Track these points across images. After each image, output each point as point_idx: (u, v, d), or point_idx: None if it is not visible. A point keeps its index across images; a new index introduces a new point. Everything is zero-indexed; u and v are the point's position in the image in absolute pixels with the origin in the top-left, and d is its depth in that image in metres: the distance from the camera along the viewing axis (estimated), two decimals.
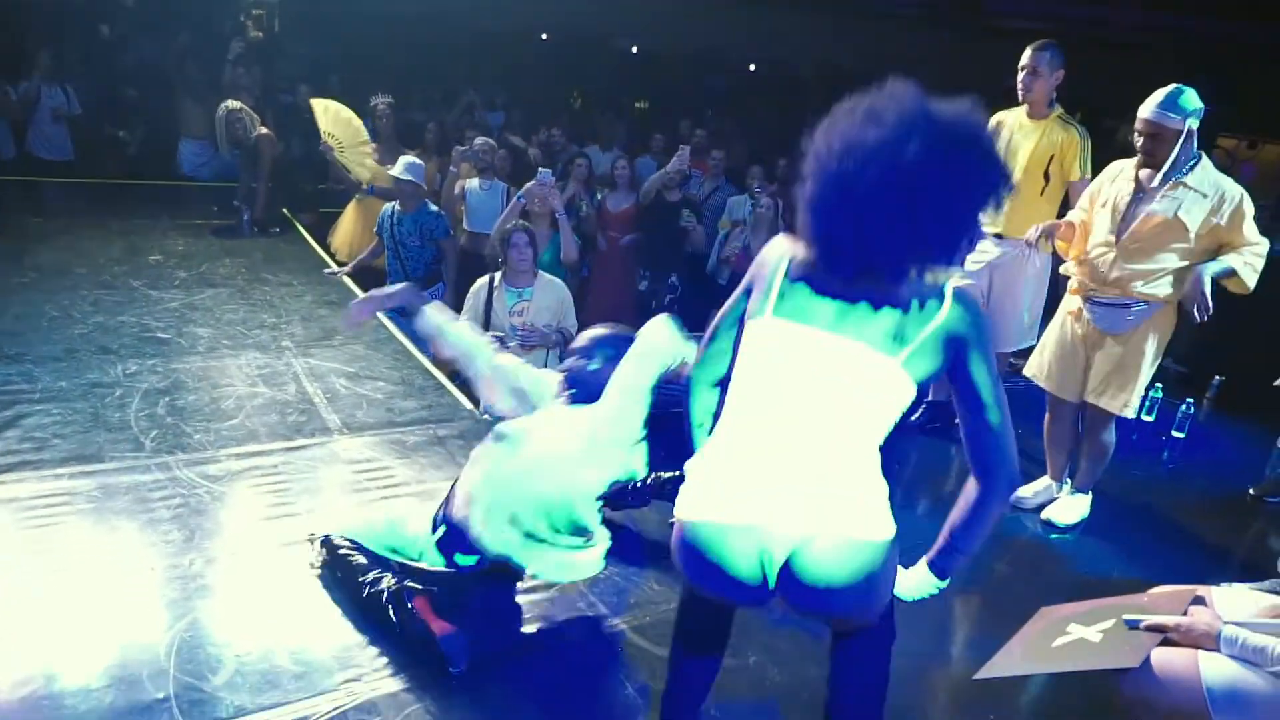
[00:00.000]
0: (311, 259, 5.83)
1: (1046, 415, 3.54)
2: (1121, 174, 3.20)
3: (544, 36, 13.56)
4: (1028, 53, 3.73)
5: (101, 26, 8.63)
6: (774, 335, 1.56)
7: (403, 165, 4.94)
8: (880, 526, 1.52)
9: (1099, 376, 3.27)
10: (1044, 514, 3.47)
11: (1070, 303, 3.37)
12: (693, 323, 2.25)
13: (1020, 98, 3.79)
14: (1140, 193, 3.09)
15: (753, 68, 14.38)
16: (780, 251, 1.62)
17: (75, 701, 1.98)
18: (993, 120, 3.82)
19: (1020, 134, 3.78)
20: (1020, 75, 3.75)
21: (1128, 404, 3.23)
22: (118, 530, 2.66)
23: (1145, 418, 4.56)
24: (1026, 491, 3.55)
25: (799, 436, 1.52)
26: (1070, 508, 3.46)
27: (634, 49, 14.37)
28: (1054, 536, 3.37)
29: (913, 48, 9.34)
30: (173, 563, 2.51)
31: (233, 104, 6.21)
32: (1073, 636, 1.93)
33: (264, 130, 6.25)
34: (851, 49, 10.75)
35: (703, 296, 5.18)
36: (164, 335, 4.20)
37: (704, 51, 13.00)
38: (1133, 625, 1.88)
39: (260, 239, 6.07)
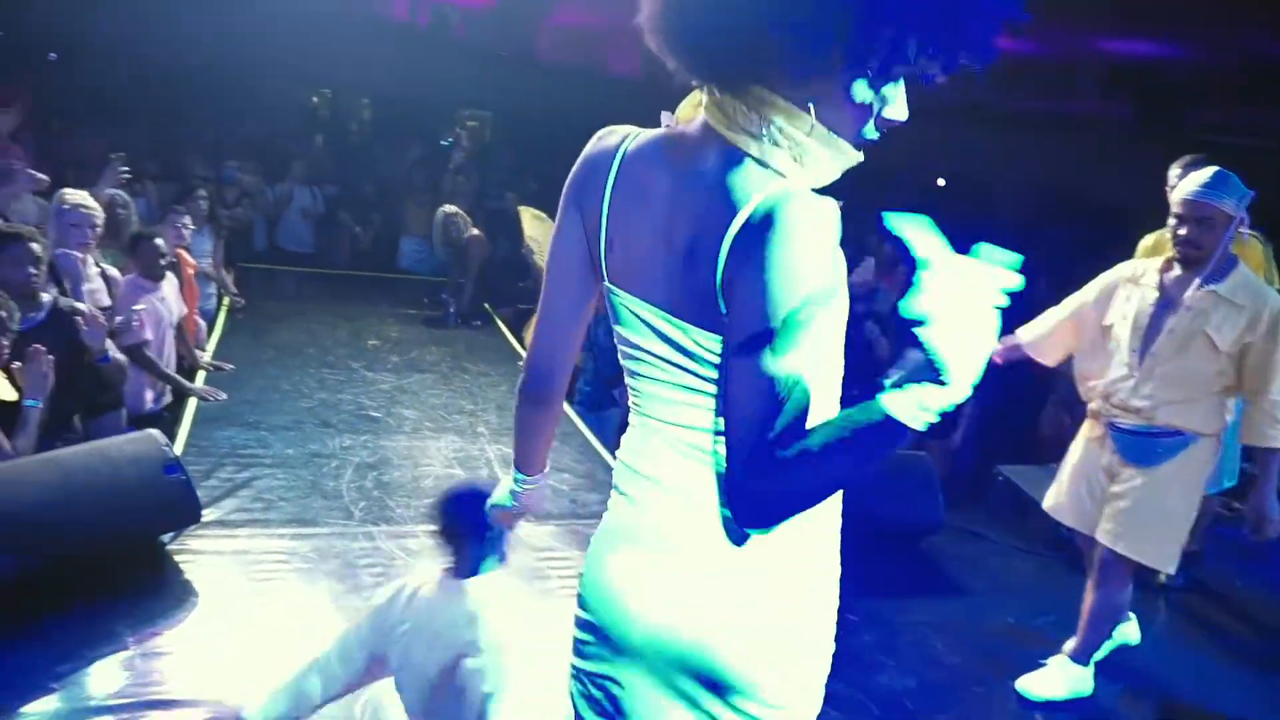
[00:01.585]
0: (508, 351, 6.21)
1: (1088, 566, 2.86)
2: (1142, 278, 2.69)
3: None
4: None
5: (317, 138, 9.68)
6: (617, 309, 1.25)
7: None
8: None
9: (1114, 511, 2.66)
10: (1018, 683, 2.83)
11: (1092, 428, 2.83)
12: None
13: None
14: (1166, 301, 2.61)
15: (941, 182, 14.25)
16: (606, 153, 1.21)
17: None
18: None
19: None
20: None
21: (1160, 556, 2.63)
22: (327, 591, 2.90)
23: None
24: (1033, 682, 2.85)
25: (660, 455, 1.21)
26: (1057, 678, 2.79)
27: None
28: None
29: (1115, 160, 8.90)
30: None
31: (450, 208, 6.85)
32: None
33: (475, 232, 6.83)
34: (1044, 161, 10.41)
35: None
36: (375, 414, 4.58)
37: (887, 166, 13.07)
38: None
39: (464, 330, 6.55)
